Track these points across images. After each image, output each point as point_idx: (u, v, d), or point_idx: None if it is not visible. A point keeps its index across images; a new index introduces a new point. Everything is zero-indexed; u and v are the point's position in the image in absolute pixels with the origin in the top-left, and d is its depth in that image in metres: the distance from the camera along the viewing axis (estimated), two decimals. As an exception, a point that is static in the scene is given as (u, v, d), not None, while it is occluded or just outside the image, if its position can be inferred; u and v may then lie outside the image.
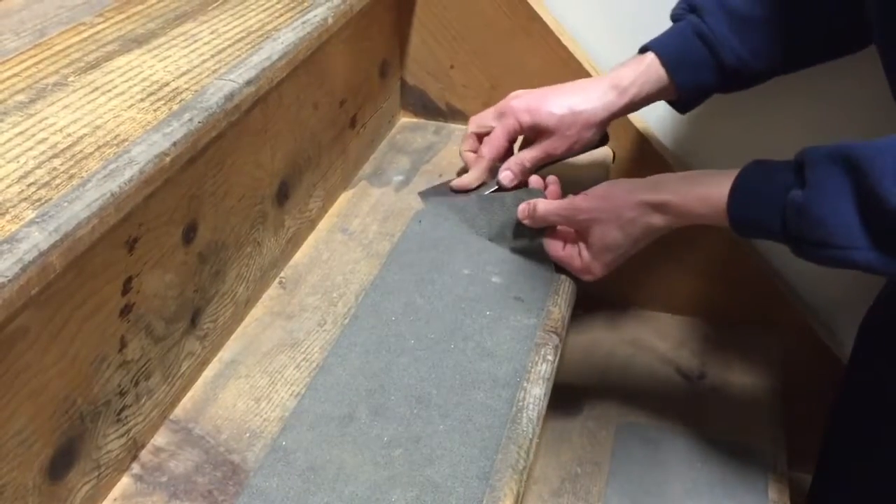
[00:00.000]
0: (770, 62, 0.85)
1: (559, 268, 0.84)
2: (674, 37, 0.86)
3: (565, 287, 0.83)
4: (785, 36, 0.83)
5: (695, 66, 0.85)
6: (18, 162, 0.59)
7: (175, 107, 0.67)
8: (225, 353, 0.76)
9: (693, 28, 0.84)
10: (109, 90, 0.69)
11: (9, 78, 0.70)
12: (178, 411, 0.70)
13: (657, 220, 0.76)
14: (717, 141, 1.11)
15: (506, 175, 0.89)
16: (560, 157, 0.89)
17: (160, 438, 0.68)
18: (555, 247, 0.84)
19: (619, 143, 1.09)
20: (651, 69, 0.85)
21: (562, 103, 0.87)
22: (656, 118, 1.11)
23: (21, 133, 0.63)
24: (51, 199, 0.55)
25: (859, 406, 0.88)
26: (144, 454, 0.66)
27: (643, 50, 0.87)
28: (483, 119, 0.92)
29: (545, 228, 0.84)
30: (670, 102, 0.90)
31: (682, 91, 0.86)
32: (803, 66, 0.88)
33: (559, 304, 0.80)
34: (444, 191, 0.95)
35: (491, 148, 0.90)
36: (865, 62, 1.01)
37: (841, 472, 0.91)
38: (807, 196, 0.65)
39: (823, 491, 0.94)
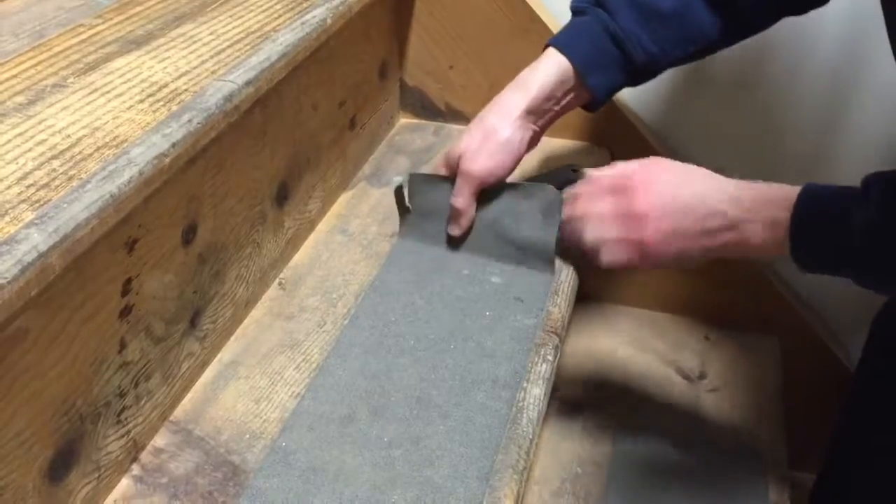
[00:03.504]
0: (681, 54, 0.83)
1: (562, 253, 0.84)
2: (583, 36, 0.82)
3: (565, 287, 0.83)
4: (693, 27, 0.81)
5: (605, 67, 0.82)
6: (17, 163, 0.59)
7: (174, 108, 0.66)
8: (225, 355, 0.76)
9: (603, 26, 0.81)
10: (108, 91, 0.69)
11: (8, 79, 0.70)
12: (178, 412, 0.70)
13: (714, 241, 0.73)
14: (716, 138, 1.11)
15: (453, 230, 0.85)
16: (486, 176, 0.82)
17: (160, 440, 0.68)
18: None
19: (616, 143, 1.09)
20: (561, 71, 0.82)
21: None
22: (653, 116, 1.11)
23: (20, 134, 0.62)
24: (50, 200, 0.55)
25: (869, 409, 0.88)
26: (144, 455, 0.66)
27: (548, 46, 0.83)
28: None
29: (544, 228, 0.83)
30: (582, 106, 0.86)
31: (594, 93, 0.83)
32: (713, 52, 0.86)
33: (559, 305, 0.80)
34: (436, 186, 0.88)
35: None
36: (871, 58, 1.01)
37: (846, 474, 0.91)
38: (872, 216, 0.64)
39: (829, 492, 0.94)
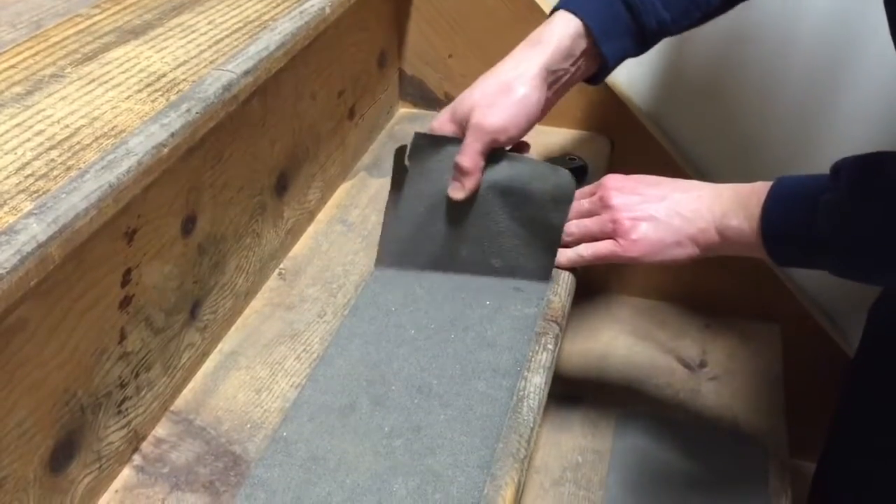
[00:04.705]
0: (686, 22, 0.81)
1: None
2: (595, 1, 0.78)
3: (565, 277, 0.83)
4: None
5: (619, 35, 0.79)
6: (16, 153, 0.59)
7: (173, 98, 0.66)
8: (225, 345, 0.76)
9: None
10: (107, 81, 0.69)
11: (6, 70, 0.70)
12: (179, 403, 0.70)
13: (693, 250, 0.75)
14: (717, 127, 1.11)
15: (456, 191, 0.80)
16: (498, 132, 0.76)
17: (161, 430, 0.68)
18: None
19: (617, 132, 1.09)
20: (576, 30, 0.77)
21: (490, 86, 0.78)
22: (654, 105, 1.11)
23: (18, 125, 0.62)
24: (49, 190, 0.55)
25: (868, 395, 0.88)
26: (146, 446, 0.66)
27: (556, 9, 0.79)
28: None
29: (554, 214, 0.82)
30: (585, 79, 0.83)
31: (606, 60, 0.79)
32: (711, 19, 0.83)
33: (559, 294, 0.80)
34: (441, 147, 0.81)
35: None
36: (873, 52, 1.01)
37: (846, 460, 0.91)
38: (838, 197, 0.64)
39: (829, 479, 0.94)
